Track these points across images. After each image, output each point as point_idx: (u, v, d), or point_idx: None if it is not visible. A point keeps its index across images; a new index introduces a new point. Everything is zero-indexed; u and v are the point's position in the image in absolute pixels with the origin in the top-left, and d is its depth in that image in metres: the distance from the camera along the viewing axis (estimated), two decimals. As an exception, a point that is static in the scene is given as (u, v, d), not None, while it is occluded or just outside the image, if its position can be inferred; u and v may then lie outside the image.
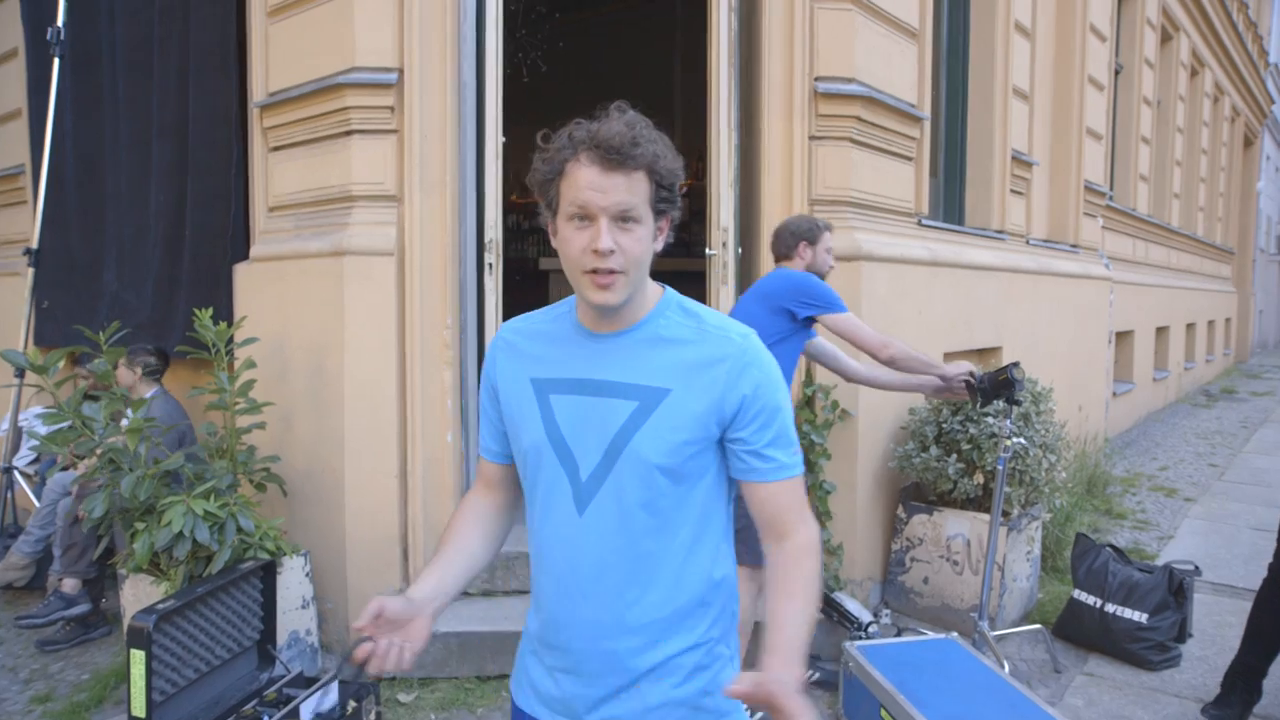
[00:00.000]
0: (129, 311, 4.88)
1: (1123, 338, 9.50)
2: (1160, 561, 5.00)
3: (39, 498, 4.51)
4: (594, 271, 1.26)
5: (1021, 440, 3.29)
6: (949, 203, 5.43)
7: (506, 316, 4.20)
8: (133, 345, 4.27)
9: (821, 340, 3.38)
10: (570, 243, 1.27)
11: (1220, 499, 6.58)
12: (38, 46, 5.34)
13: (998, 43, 5.45)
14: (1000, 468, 3.28)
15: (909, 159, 4.42)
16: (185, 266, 4.57)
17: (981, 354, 5.35)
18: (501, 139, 3.89)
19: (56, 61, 4.80)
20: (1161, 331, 11.26)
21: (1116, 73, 8.94)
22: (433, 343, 3.75)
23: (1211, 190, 14.57)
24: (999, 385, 3.27)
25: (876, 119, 4.05)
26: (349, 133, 3.71)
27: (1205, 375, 14.24)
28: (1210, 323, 14.66)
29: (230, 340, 3.74)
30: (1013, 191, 5.73)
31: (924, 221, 4.58)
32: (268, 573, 3.24)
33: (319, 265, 3.75)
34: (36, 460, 5.05)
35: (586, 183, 1.23)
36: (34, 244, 4.78)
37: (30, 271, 4.73)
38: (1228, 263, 16.96)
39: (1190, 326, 13.02)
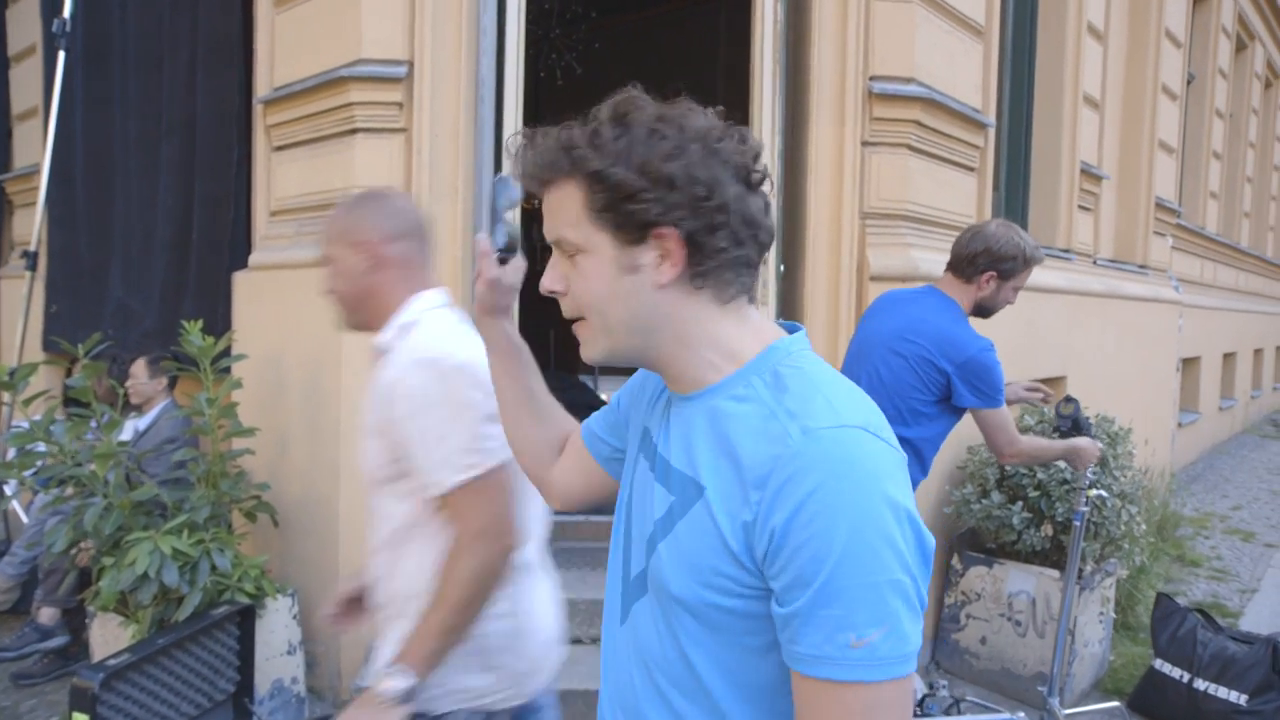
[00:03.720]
0: (134, 319, 4.63)
1: (1189, 364, 8.90)
2: (1245, 620, 4.51)
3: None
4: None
5: (1102, 493, 2.85)
6: (1010, 217, 4.97)
7: (525, 336, 3.85)
8: (153, 353, 4.01)
9: None
10: None
11: (1303, 546, 6.02)
12: (51, 41, 5.14)
13: (1068, 45, 5.00)
14: (1077, 524, 2.84)
15: (971, 169, 4.00)
16: (191, 273, 4.30)
17: (1044, 384, 4.89)
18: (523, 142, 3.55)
19: (62, 55, 4.56)
20: (1229, 358, 10.61)
21: (1188, 82, 8.39)
22: (439, 363, 3.40)
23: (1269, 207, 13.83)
24: (1068, 427, 2.85)
25: (937, 124, 3.64)
26: (353, 131, 3.39)
27: (1271, 403, 13.48)
28: (1278, 348, 13.89)
29: (224, 354, 3.44)
30: (1080, 207, 5.27)
31: (986, 238, 4.14)
32: (245, 618, 2.91)
33: (317, 275, 3.42)
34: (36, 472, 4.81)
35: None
36: (32, 247, 4.54)
37: (28, 276, 4.49)
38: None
39: (1258, 352, 12.31)
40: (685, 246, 0.90)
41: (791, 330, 0.98)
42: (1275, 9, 10.94)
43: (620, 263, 0.91)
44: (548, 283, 0.96)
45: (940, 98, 3.59)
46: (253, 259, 3.83)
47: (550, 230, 0.94)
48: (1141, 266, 6.41)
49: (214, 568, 2.85)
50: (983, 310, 2.68)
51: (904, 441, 2.59)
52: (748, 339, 0.94)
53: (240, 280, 3.87)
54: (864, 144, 3.50)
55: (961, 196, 3.94)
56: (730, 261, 0.91)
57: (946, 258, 3.72)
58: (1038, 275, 4.59)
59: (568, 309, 0.96)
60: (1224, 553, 5.71)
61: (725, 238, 0.90)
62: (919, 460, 2.61)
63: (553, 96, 7.57)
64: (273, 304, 3.67)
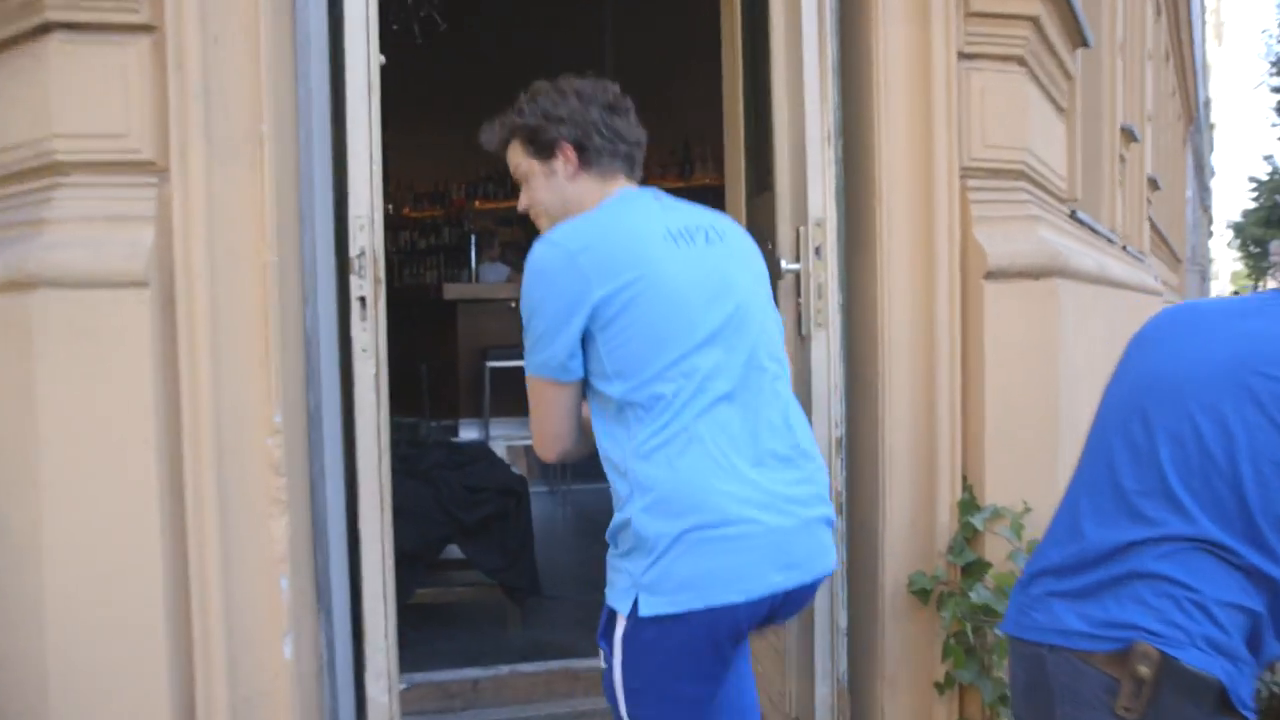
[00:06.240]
0: None
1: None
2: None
3: None
4: None
5: None
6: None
7: (394, 379, 2.18)
8: None
9: None
10: None
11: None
12: None
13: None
14: None
15: (1062, 110, 2.73)
16: None
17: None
18: (380, 58, 2.00)
19: None
20: (1158, 350, 10.08)
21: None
22: (244, 464, 1.81)
23: (1168, 195, 13.76)
24: None
25: (1052, 33, 2.33)
26: (45, 27, 1.75)
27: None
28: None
29: None
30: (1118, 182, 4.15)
31: (1078, 215, 2.89)
32: None
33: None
34: None
35: None
36: None
37: None
38: (1176, 272, 16.29)
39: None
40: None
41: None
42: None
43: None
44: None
45: (1063, -13, 2.27)
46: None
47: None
48: (1140, 252, 5.44)
49: None
50: None
51: (1264, 581, 1.20)
52: None
53: None
54: (960, 56, 2.13)
55: (1055, 147, 2.65)
56: None
57: (1076, 245, 2.43)
58: (1110, 269, 3.40)
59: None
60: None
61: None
62: None
63: (417, 54, 5.90)
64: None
